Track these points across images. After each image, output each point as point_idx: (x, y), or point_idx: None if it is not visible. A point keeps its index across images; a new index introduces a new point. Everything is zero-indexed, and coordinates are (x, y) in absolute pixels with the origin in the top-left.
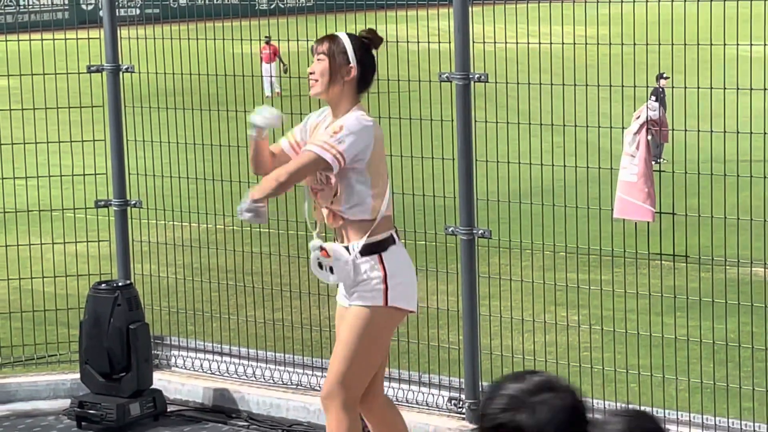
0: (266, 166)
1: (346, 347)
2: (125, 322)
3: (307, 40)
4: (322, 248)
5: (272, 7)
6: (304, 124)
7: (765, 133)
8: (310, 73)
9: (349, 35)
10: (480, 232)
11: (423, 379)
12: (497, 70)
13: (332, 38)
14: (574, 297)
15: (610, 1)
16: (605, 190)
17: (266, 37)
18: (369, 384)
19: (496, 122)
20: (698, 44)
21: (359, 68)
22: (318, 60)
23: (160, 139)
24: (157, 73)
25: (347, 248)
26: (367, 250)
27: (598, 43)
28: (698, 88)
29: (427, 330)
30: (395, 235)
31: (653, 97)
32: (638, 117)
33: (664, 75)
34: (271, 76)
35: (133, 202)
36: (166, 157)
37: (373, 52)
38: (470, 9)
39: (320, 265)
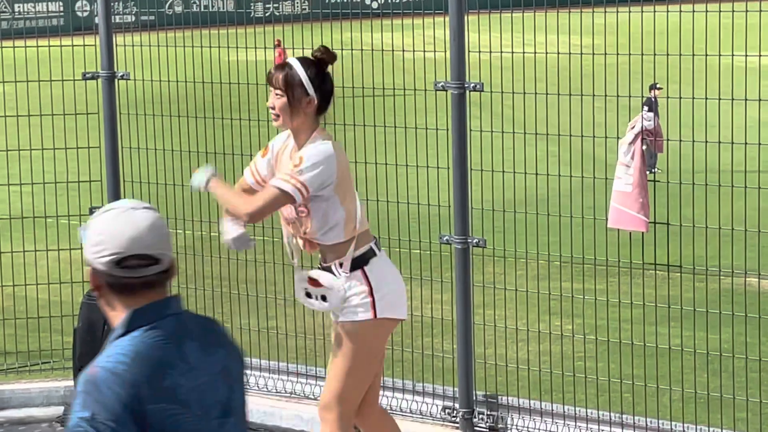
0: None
1: (342, 363)
2: None
3: (303, 48)
4: (310, 278)
5: (267, 14)
6: (271, 151)
7: (759, 144)
8: (271, 108)
9: (302, 60)
10: (474, 241)
11: (417, 387)
12: (492, 79)
13: (286, 72)
14: (568, 306)
15: (605, 11)
16: (600, 200)
17: (276, 41)
18: (365, 394)
19: (491, 131)
20: (693, 54)
21: (318, 96)
22: (276, 95)
23: (155, 146)
24: (152, 80)
25: (330, 268)
26: (348, 266)
27: (593, 53)
28: (693, 98)
29: (422, 339)
30: (374, 247)
31: (646, 107)
32: (633, 127)
33: (657, 85)
34: None
35: None
36: (161, 164)
37: (329, 68)
38: (466, 18)
39: (308, 294)
